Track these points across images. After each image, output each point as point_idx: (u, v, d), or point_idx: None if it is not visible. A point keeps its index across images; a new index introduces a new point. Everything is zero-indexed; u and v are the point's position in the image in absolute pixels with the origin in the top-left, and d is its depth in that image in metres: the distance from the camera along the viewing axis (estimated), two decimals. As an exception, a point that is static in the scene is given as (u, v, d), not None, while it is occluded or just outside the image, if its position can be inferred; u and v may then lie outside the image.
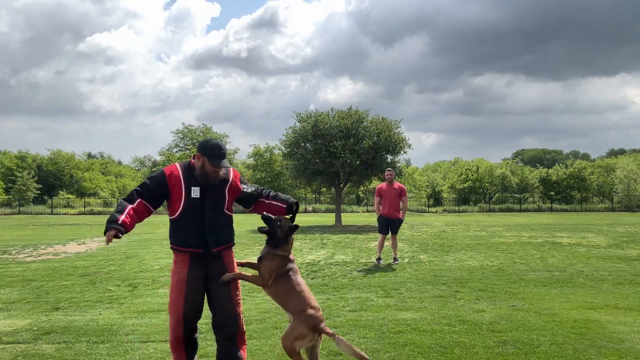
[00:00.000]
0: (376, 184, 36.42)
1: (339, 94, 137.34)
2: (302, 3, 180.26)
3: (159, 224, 23.95)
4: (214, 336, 3.59)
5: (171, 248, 3.46)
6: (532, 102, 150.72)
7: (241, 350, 3.53)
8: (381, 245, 9.24)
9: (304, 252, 10.85)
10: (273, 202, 3.62)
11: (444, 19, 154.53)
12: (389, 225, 9.08)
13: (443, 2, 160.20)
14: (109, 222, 3.23)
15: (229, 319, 3.46)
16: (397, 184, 9.14)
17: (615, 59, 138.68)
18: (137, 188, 3.42)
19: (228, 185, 3.47)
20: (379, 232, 9.28)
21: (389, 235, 9.22)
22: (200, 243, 3.36)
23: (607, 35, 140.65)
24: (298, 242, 13.05)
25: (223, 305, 3.46)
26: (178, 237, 3.40)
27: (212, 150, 3.31)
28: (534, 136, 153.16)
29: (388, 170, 9.27)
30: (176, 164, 3.49)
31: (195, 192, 3.35)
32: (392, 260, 9.07)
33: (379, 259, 9.10)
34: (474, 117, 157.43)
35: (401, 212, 9.12)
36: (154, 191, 3.38)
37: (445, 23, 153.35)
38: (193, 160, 3.41)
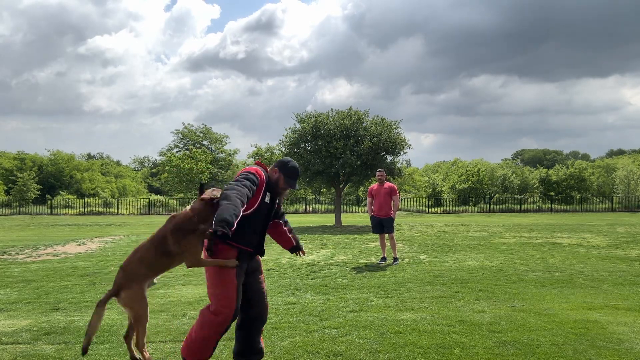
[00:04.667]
0: (376, 184, 36.64)
1: (336, 94, 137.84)
2: (299, 6, 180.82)
3: (158, 224, 23.98)
4: (239, 331, 3.66)
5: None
6: (528, 102, 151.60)
7: (261, 341, 3.75)
8: (383, 245, 9.36)
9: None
10: (289, 234, 3.95)
11: (438, 22, 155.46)
12: (381, 224, 9.15)
13: (436, 5, 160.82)
14: (223, 221, 3.00)
15: (265, 311, 3.72)
16: (387, 184, 9.20)
17: (608, 61, 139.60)
18: (250, 185, 3.36)
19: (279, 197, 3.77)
20: (373, 232, 9.53)
21: (387, 235, 9.29)
22: (256, 244, 3.59)
23: (600, 37, 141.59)
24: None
25: (261, 299, 3.68)
26: (238, 233, 3.30)
27: (292, 172, 3.64)
28: (531, 137, 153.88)
29: (379, 171, 9.35)
30: (258, 167, 3.59)
31: (267, 197, 3.58)
32: (392, 260, 9.08)
33: (383, 258, 9.22)
34: (471, 118, 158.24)
35: (392, 210, 9.15)
36: (253, 191, 3.43)
37: (439, 26, 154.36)
38: (268, 169, 3.66)
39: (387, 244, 9.44)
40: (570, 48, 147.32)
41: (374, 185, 9.35)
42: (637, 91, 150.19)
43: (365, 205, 41.16)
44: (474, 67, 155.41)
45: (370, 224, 9.66)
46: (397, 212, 9.61)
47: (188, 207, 3.49)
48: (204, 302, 5.87)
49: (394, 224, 9.34)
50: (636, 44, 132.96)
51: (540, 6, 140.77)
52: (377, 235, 9.43)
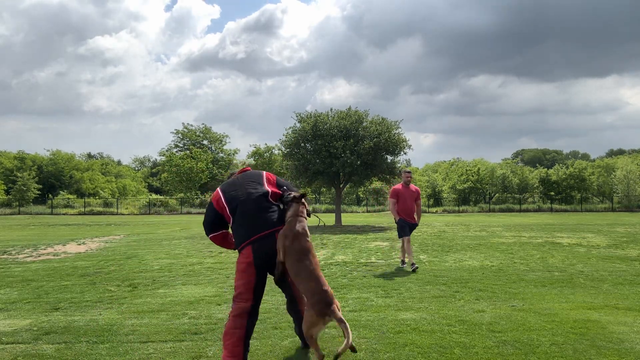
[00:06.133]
0: (376, 184, 36.38)
1: (335, 94, 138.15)
2: (298, 6, 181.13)
3: (158, 223, 23.95)
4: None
5: None
6: (527, 102, 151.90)
7: None
8: (409, 250, 8.46)
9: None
10: None
11: (436, 22, 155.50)
12: (409, 229, 8.58)
13: (435, 6, 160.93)
14: None
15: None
16: (413, 187, 8.71)
17: (605, 61, 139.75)
18: None
19: None
20: (400, 237, 8.60)
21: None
22: None
23: (597, 37, 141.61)
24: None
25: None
26: None
27: None
28: (530, 136, 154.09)
29: (406, 172, 8.76)
30: None
31: None
32: (400, 263, 8.76)
33: (412, 264, 8.33)
34: (470, 118, 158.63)
35: (416, 215, 8.67)
36: None
37: (437, 26, 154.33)
38: None
39: (397, 246, 9.07)
40: (568, 48, 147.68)
41: (398, 185, 8.73)
42: (636, 91, 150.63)
43: (366, 205, 41.22)
44: (473, 67, 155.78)
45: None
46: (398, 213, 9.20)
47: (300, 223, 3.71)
48: (204, 302, 5.88)
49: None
50: (634, 44, 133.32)
51: (537, 7, 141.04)
52: (399, 240, 8.73)
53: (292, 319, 4.29)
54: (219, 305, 5.71)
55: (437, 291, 6.45)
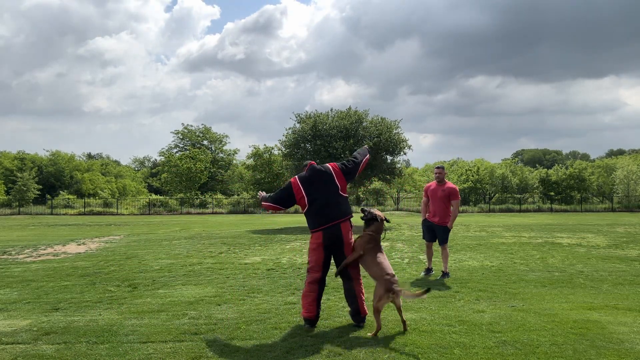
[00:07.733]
0: (377, 184, 36.34)
1: (334, 95, 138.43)
2: (297, 7, 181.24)
3: (158, 224, 23.93)
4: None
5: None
6: (525, 103, 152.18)
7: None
8: (430, 254, 7.94)
9: (303, 252, 10.84)
10: None
11: (434, 23, 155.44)
12: (433, 231, 7.75)
13: (432, 7, 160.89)
14: None
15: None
16: (448, 185, 7.71)
17: (603, 62, 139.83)
18: None
19: None
20: (423, 238, 8.13)
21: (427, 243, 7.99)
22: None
23: (594, 38, 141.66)
24: (298, 242, 13.06)
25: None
26: None
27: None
28: (529, 137, 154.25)
29: (437, 168, 7.83)
30: None
31: None
32: (441, 274, 7.59)
33: (429, 269, 7.86)
34: (468, 118, 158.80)
35: (449, 217, 7.65)
36: None
37: (435, 27, 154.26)
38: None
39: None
40: (565, 49, 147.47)
41: (431, 183, 7.92)
42: (634, 92, 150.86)
43: (366, 205, 41.14)
44: (471, 67, 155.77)
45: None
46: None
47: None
48: (204, 302, 5.88)
49: (449, 234, 7.83)
50: (631, 46, 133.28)
51: (535, 7, 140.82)
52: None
53: (316, 312, 4.89)
54: (219, 305, 5.71)
55: (437, 291, 6.45)
